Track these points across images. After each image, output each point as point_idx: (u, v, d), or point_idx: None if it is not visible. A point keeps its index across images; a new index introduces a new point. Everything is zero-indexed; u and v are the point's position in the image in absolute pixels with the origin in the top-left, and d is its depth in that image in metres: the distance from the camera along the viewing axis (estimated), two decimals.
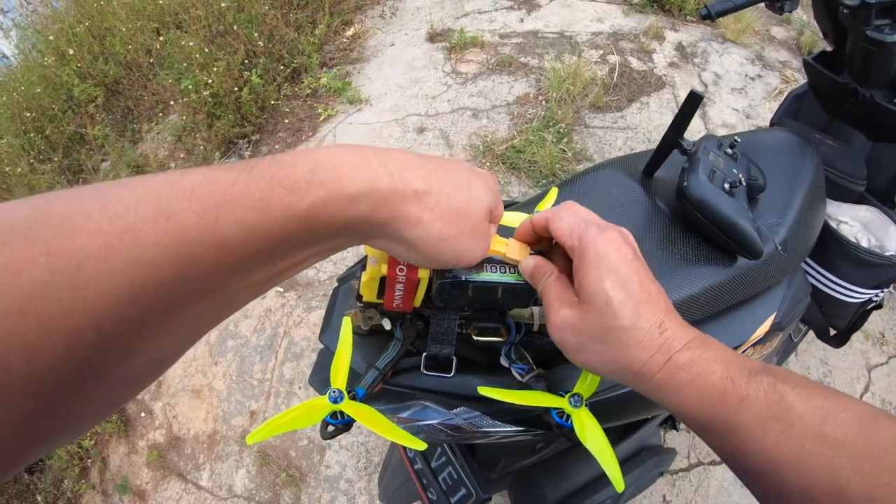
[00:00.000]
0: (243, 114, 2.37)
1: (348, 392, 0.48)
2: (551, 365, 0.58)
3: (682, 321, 0.36)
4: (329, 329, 0.63)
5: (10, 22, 3.21)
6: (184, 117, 2.43)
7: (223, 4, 2.60)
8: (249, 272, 0.26)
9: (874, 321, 1.75)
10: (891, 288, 0.97)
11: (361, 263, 0.47)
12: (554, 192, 0.62)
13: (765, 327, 0.71)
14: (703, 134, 0.83)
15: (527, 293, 0.44)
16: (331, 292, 0.69)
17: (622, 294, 0.35)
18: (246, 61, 2.47)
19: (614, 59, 2.49)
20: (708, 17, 0.91)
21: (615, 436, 0.90)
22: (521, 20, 2.74)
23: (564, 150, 2.09)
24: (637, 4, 2.78)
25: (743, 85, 2.43)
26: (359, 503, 1.47)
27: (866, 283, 0.93)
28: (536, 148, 2.08)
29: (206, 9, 2.61)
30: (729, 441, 0.33)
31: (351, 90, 2.46)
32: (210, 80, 2.31)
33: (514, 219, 0.46)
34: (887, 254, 0.89)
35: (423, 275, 0.43)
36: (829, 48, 0.92)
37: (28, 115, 2.54)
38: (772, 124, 1.08)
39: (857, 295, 0.95)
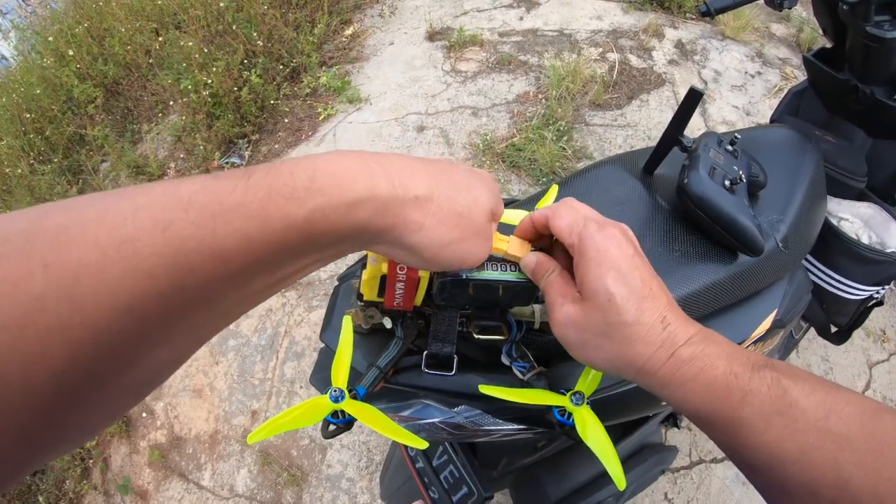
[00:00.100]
0: (243, 113, 2.37)
1: (349, 391, 0.48)
2: (552, 363, 0.58)
3: (684, 316, 0.36)
4: (330, 328, 0.63)
5: (9, 23, 3.21)
6: (183, 117, 2.43)
7: (222, 4, 2.60)
8: (248, 281, 0.25)
9: (875, 318, 1.75)
10: (892, 285, 0.97)
11: (362, 262, 0.47)
12: (554, 190, 0.62)
13: (766, 324, 0.71)
14: (704, 131, 0.83)
15: (528, 291, 0.44)
16: (331, 291, 0.69)
17: (624, 290, 0.35)
18: (245, 61, 2.47)
19: (614, 56, 2.49)
20: (707, 14, 0.90)
21: (616, 434, 0.90)
22: (521, 18, 2.74)
23: (564, 148, 2.09)
24: (636, 2, 2.78)
25: (743, 82, 2.43)
26: (360, 502, 1.47)
27: (867, 280, 0.93)
28: (536, 146, 2.07)
29: (204, 9, 2.61)
30: (732, 436, 0.33)
31: (350, 89, 2.46)
32: (209, 80, 2.31)
33: (514, 216, 0.45)
34: (888, 250, 0.89)
35: (424, 273, 0.43)
36: (828, 45, 0.92)
37: (28, 116, 2.54)
38: (772, 121, 1.08)
39: (858, 292, 0.95)
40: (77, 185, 2.41)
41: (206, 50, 2.43)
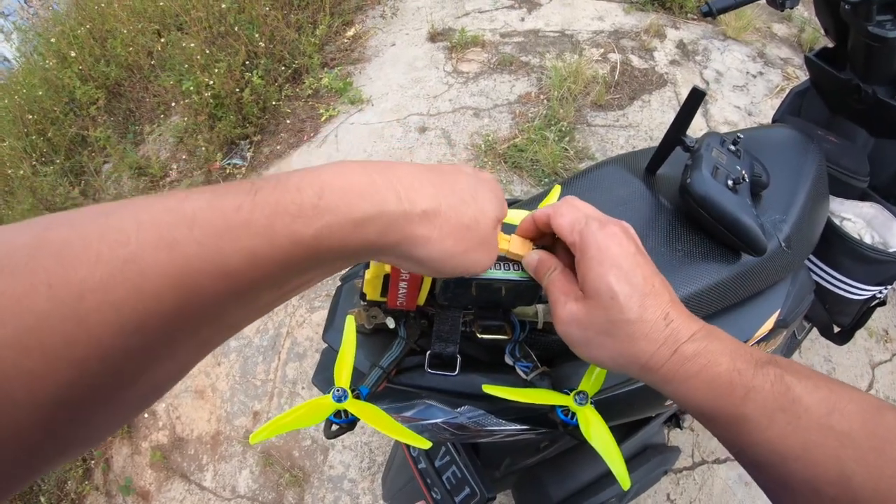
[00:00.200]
0: (245, 115, 2.37)
1: (352, 391, 0.48)
2: (556, 363, 0.58)
3: (687, 313, 0.37)
4: (332, 328, 0.63)
5: (11, 25, 3.22)
6: (185, 119, 2.44)
7: (224, 6, 2.61)
8: (255, 297, 0.25)
9: (878, 318, 1.75)
10: (894, 284, 0.97)
11: (365, 262, 0.47)
12: (557, 190, 0.62)
13: (769, 324, 0.71)
14: (706, 131, 0.83)
15: (531, 290, 0.44)
16: (334, 291, 0.69)
17: (627, 288, 0.35)
18: (247, 62, 2.47)
19: (615, 57, 2.49)
20: (709, 14, 0.90)
21: (619, 435, 0.90)
22: (522, 19, 2.74)
23: (566, 149, 2.09)
24: (638, 2, 2.78)
25: (745, 82, 2.43)
26: (362, 503, 1.47)
27: (870, 280, 0.93)
28: (538, 147, 2.07)
29: (206, 10, 2.62)
30: (735, 432, 0.33)
31: (352, 90, 2.46)
32: (211, 82, 2.31)
33: (516, 216, 0.45)
34: (891, 250, 0.89)
35: None
36: (830, 45, 0.92)
37: (30, 117, 2.55)
38: (774, 121, 1.07)
39: (861, 292, 0.94)
40: (79, 187, 2.42)
41: (207, 51, 2.44)
